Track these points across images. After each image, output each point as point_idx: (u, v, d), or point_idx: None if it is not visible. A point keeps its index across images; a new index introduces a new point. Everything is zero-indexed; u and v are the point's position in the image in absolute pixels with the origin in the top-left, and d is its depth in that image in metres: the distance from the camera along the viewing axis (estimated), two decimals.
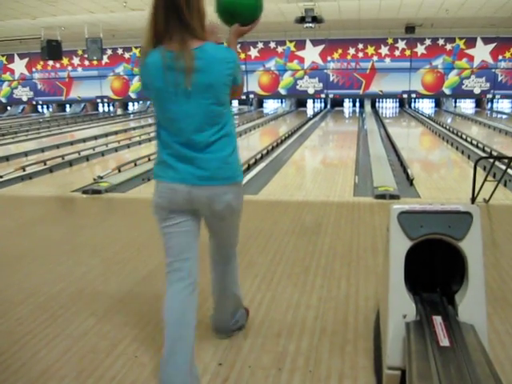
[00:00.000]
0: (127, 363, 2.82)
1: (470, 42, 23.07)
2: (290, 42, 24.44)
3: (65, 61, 25.71)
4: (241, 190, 2.71)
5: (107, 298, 3.71)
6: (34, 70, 27.36)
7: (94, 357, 2.90)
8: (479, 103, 24.62)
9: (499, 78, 23.38)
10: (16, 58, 27.18)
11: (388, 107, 25.25)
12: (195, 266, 2.69)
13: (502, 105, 24.29)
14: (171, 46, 2.37)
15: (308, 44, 24.44)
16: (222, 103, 2.49)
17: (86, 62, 25.04)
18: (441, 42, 23.29)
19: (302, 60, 24.81)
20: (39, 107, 28.24)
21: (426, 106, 25.15)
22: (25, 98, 27.90)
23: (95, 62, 22.73)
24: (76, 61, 26.67)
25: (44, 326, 3.29)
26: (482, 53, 23.10)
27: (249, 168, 9.07)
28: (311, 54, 24.64)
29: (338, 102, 25.47)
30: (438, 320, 2.34)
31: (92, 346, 3.02)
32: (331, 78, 24.79)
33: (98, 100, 27.32)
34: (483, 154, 9.81)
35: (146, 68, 2.51)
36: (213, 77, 2.41)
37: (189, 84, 2.38)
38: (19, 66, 27.43)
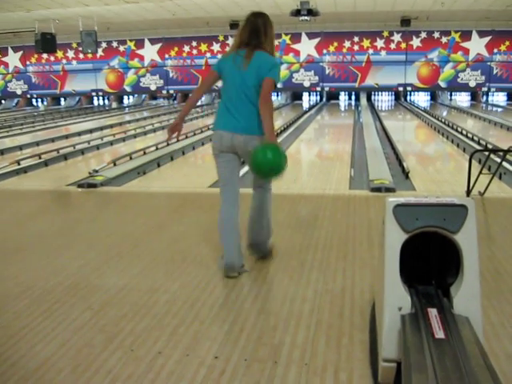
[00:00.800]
0: (123, 357, 2.83)
1: (466, 35, 23.05)
2: (286, 34, 24.36)
3: (59, 54, 25.61)
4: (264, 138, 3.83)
5: (103, 292, 3.72)
6: (28, 63, 27.23)
7: (90, 350, 2.90)
8: (474, 96, 24.65)
9: (494, 71, 23.38)
10: (10, 51, 27.04)
11: (383, 100, 25.26)
12: (237, 188, 4.04)
13: (498, 98, 24.32)
14: (245, 48, 3.86)
15: (303, 37, 24.39)
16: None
17: (81, 55, 24.91)
18: (436, 35, 23.27)
19: (297, 53, 24.75)
20: (34, 101, 28.14)
21: (422, 99, 25.17)
22: (19, 92, 27.78)
23: (90, 55, 22.65)
24: (70, 54, 26.54)
25: (40, 319, 3.29)
26: (477, 46, 23.09)
27: (244, 161, 9.04)
28: (307, 47, 24.58)
29: (333, 95, 25.47)
30: (433, 312, 2.35)
31: (88, 340, 3.02)
32: (327, 71, 24.75)
33: (93, 93, 27.22)
34: (478, 147, 9.83)
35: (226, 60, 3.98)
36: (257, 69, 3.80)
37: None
38: (13, 59, 27.29)
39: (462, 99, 24.74)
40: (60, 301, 3.57)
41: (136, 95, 27.16)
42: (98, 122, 17.51)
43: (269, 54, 3.89)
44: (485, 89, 23.81)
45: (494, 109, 21.52)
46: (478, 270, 2.42)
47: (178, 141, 10.59)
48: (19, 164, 9.14)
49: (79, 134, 14.18)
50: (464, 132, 12.53)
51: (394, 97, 25.24)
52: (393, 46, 23.82)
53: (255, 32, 3.87)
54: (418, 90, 24.71)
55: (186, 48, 25.32)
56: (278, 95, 25.91)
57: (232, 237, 3.94)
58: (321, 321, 3.20)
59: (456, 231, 2.40)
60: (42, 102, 27.94)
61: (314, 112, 20.39)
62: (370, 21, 22.09)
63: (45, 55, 25.46)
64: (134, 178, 7.99)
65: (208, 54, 25.12)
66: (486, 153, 7.19)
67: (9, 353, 2.89)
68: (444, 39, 23.31)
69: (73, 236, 5.15)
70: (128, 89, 26.66)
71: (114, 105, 26.37)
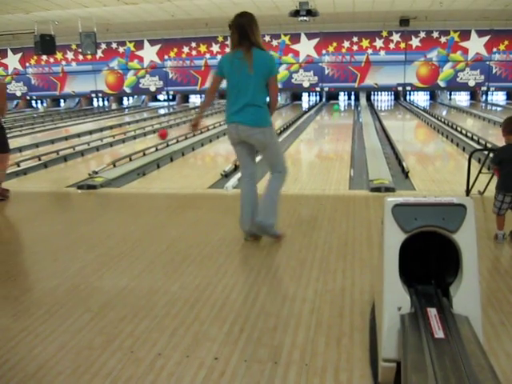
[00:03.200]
0: (123, 359, 2.82)
1: (465, 35, 23.07)
2: (285, 35, 24.39)
3: (59, 55, 25.65)
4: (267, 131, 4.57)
5: (103, 294, 3.71)
6: (27, 64, 27.26)
7: (90, 353, 2.89)
8: (474, 95, 24.67)
9: (493, 71, 23.39)
10: (9, 52, 27.06)
11: (383, 100, 25.28)
12: (254, 173, 4.79)
13: (497, 97, 24.37)
14: (241, 48, 4.42)
15: (303, 37, 24.40)
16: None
17: (80, 57, 24.95)
18: (435, 34, 23.29)
19: (296, 53, 24.77)
20: (33, 102, 28.16)
21: (421, 99, 25.20)
22: (19, 93, 27.80)
23: (89, 57, 22.69)
24: (70, 55, 26.57)
25: (39, 322, 3.29)
26: (476, 45, 23.11)
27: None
28: (306, 48, 24.61)
29: (333, 95, 25.48)
30: (432, 312, 2.35)
31: (88, 342, 3.02)
32: (326, 72, 24.77)
33: (93, 95, 27.24)
34: (478, 147, 9.83)
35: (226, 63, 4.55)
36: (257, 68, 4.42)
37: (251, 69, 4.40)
38: (13, 61, 27.31)
39: (462, 98, 24.77)
40: (59, 303, 3.57)
41: (135, 96, 27.17)
42: (97, 124, 17.52)
43: (263, 50, 4.45)
44: (484, 88, 23.83)
45: (494, 108, 21.51)
46: (477, 270, 2.42)
47: (177, 142, 10.62)
48: (19, 166, 9.14)
49: (79, 135, 14.18)
50: (463, 131, 12.53)
51: (393, 96, 25.26)
52: (392, 45, 23.84)
53: (243, 33, 4.39)
54: (418, 89, 24.74)
55: (186, 49, 25.34)
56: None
57: (246, 207, 4.68)
58: (321, 321, 3.19)
59: (455, 231, 2.40)
60: (42, 103, 27.97)
61: (313, 112, 20.38)
62: (369, 21, 22.11)
63: (44, 57, 25.47)
64: (133, 179, 7.98)
65: (207, 55, 25.15)
66: (486, 152, 7.18)
67: (8, 355, 2.89)
68: (443, 39, 23.32)
69: (72, 238, 5.14)
70: (128, 90, 26.69)
71: (114, 106, 26.38)
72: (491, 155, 5.04)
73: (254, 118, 4.50)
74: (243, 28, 4.40)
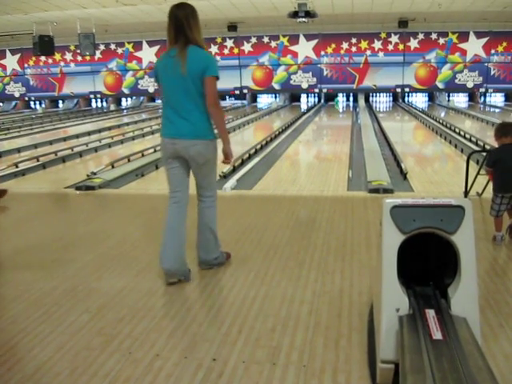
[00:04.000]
0: (121, 359, 2.82)
1: (463, 36, 23.09)
2: (284, 36, 24.39)
3: (57, 56, 25.59)
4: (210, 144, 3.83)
5: (101, 295, 3.71)
6: (26, 65, 27.21)
7: (88, 353, 2.89)
8: (472, 97, 24.70)
9: (492, 72, 23.42)
10: (8, 53, 27.00)
11: (381, 101, 25.31)
12: (186, 195, 3.96)
13: (495, 99, 24.41)
14: (176, 46, 3.70)
15: (301, 39, 24.40)
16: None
17: (79, 58, 24.95)
18: (434, 36, 23.31)
19: (295, 55, 24.77)
20: (32, 103, 28.11)
21: (420, 100, 25.23)
22: (17, 94, 27.76)
23: (88, 58, 22.69)
24: (68, 56, 26.53)
25: (38, 322, 3.29)
26: (474, 47, 23.14)
27: (243, 163, 9.07)
28: (305, 49, 24.61)
29: (331, 97, 25.49)
30: (430, 313, 2.35)
31: (86, 343, 3.02)
32: (325, 73, 24.78)
33: (91, 96, 27.22)
34: (476, 148, 9.82)
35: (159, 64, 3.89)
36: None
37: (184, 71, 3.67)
38: (11, 62, 27.26)
39: (460, 100, 24.79)
40: (57, 304, 3.57)
41: (134, 97, 27.16)
42: (96, 125, 17.50)
43: (200, 48, 3.74)
44: (482, 90, 23.86)
45: (492, 109, 21.53)
46: (475, 271, 2.42)
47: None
48: (17, 167, 9.14)
49: (77, 136, 14.17)
50: (462, 133, 12.54)
51: (391, 98, 25.29)
52: (390, 47, 23.85)
53: (179, 28, 3.70)
54: (416, 91, 24.75)
55: None
56: (276, 97, 25.97)
57: (169, 241, 3.89)
58: (319, 322, 3.19)
59: (453, 232, 2.40)
60: (40, 104, 27.93)
61: (312, 113, 20.39)
62: (368, 22, 22.11)
63: (43, 58, 25.44)
64: (132, 180, 7.98)
65: None
66: (484, 153, 7.18)
67: (6, 357, 2.88)
68: (441, 40, 23.34)
69: (70, 238, 5.14)
70: (126, 91, 26.66)
71: (112, 107, 26.35)
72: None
73: (193, 129, 3.76)
74: (179, 21, 3.69)
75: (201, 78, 3.68)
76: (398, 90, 24.47)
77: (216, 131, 3.88)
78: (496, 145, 4.81)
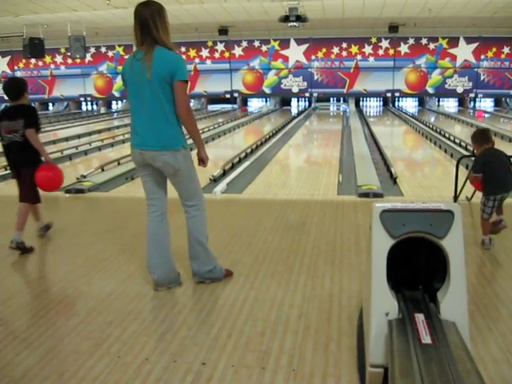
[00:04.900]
0: (110, 363, 2.81)
1: (453, 42, 23.25)
2: (275, 40, 24.45)
3: (47, 59, 25.54)
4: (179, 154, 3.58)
5: (90, 298, 3.69)
6: (16, 68, 27.12)
7: (77, 357, 2.88)
8: (462, 102, 24.84)
9: (481, 78, 23.59)
10: None
11: (372, 106, 25.41)
12: (163, 202, 3.82)
13: (485, 104, 24.56)
14: (142, 47, 3.48)
15: (292, 43, 24.48)
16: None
17: (69, 61, 24.84)
18: (424, 41, 23.45)
19: (286, 59, 24.84)
20: None
21: (410, 105, 25.34)
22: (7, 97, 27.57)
23: (78, 61, 22.64)
24: (59, 59, 26.48)
25: (25, 326, 3.27)
26: (464, 52, 23.31)
27: (233, 167, 9.06)
28: (295, 53, 24.69)
29: (321, 101, 25.56)
30: (420, 318, 2.35)
31: (75, 347, 3.00)
32: (315, 77, 24.85)
33: (82, 98, 27.15)
34: (466, 153, 9.87)
35: (125, 67, 3.66)
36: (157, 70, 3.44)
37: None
38: (1, 64, 27.17)
39: (450, 105, 24.93)
40: (46, 307, 3.54)
41: (124, 100, 27.06)
42: (86, 128, 17.43)
43: (168, 49, 3.50)
44: (472, 95, 24.02)
45: (482, 114, 21.65)
46: (464, 275, 2.43)
47: None
48: (6, 169, 9.06)
49: (67, 139, 14.11)
50: (451, 138, 12.60)
51: (382, 102, 25.40)
52: (381, 52, 23.97)
53: (145, 28, 3.44)
54: (406, 95, 24.89)
55: None
56: (266, 101, 25.99)
57: (151, 251, 3.82)
58: (308, 326, 3.19)
59: (442, 236, 2.41)
60: None
61: (302, 118, 20.43)
62: (359, 27, 22.23)
63: (33, 60, 25.35)
64: (122, 183, 7.96)
65: (197, 60, 25.11)
66: (473, 158, 7.22)
67: None
68: (432, 45, 23.49)
69: (60, 242, 5.11)
70: (116, 94, 26.61)
71: (103, 110, 26.30)
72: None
73: (159, 139, 3.52)
74: (145, 21, 3.42)
75: (169, 83, 3.43)
76: (389, 94, 24.59)
77: (189, 138, 3.71)
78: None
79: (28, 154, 4.88)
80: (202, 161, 3.80)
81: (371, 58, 24.09)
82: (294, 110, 24.60)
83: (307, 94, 25.25)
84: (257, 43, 24.61)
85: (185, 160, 3.61)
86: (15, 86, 5.04)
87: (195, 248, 3.84)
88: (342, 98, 25.98)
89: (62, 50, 25.57)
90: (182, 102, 3.47)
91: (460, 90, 23.94)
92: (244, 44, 24.74)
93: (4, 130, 4.92)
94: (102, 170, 8.82)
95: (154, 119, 3.50)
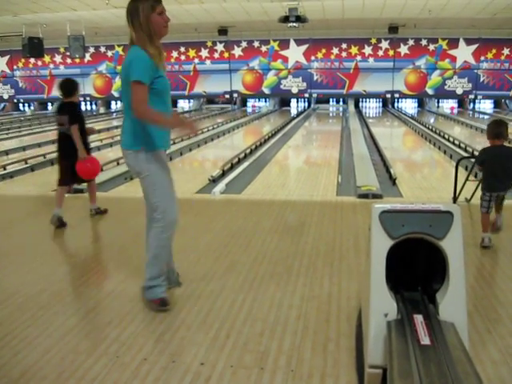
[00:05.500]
0: (108, 363, 2.80)
1: (453, 43, 23.24)
2: (274, 41, 24.44)
3: (46, 58, 25.50)
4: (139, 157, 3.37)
5: (89, 298, 3.69)
6: (15, 67, 27.08)
7: (75, 357, 2.87)
8: (461, 103, 24.83)
9: (481, 79, 23.58)
10: None
11: (371, 107, 25.39)
12: (148, 205, 3.68)
13: (484, 105, 24.56)
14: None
15: (292, 43, 24.47)
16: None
17: (68, 60, 24.78)
18: (424, 42, 23.45)
19: (285, 59, 24.83)
20: (20, 105, 27.95)
21: (409, 106, 25.33)
22: (6, 96, 27.60)
23: (77, 60, 22.57)
24: (58, 58, 26.44)
25: (24, 326, 3.26)
26: (464, 53, 23.30)
27: (232, 167, 9.06)
28: (295, 54, 24.68)
29: (321, 102, 25.57)
30: (419, 319, 2.35)
31: (73, 347, 2.99)
32: (315, 78, 24.84)
33: (81, 98, 27.09)
34: (465, 154, 9.88)
35: None
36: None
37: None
38: (0, 64, 27.11)
39: (449, 106, 24.91)
40: (45, 307, 3.54)
41: None
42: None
43: (135, 48, 3.32)
44: (471, 96, 24.01)
45: (481, 116, 21.65)
46: (463, 276, 2.43)
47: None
48: (5, 169, 9.08)
49: None
50: (451, 139, 12.61)
51: (381, 103, 25.38)
52: (380, 53, 23.96)
53: (128, 24, 3.38)
54: (406, 96, 24.88)
55: (174, 54, 25.27)
56: (266, 101, 25.99)
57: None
58: (307, 327, 3.19)
59: (442, 237, 2.41)
60: (29, 106, 27.77)
61: (301, 118, 20.43)
62: (358, 28, 22.22)
63: (32, 60, 25.31)
64: (120, 183, 7.95)
65: (196, 60, 25.11)
66: (473, 160, 7.22)
67: None
68: (431, 47, 23.48)
69: (58, 242, 5.11)
70: (116, 94, 26.54)
71: (102, 110, 26.28)
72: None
73: (124, 137, 3.46)
74: (126, 19, 3.38)
75: (129, 83, 3.24)
76: (388, 95, 24.58)
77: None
78: (488, 143, 4.85)
79: (68, 145, 5.75)
80: (188, 126, 3.43)
81: (371, 59, 24.08)
82: (294, 111, 24.60)
83: (307, 95, 25.24)
84: (256, 43, 24.59)
85: (147, 163, 3.37)
86: (68, 85, 6.13)
87: (148, 260, 3.60)
88: (341, 99, 25.98)
89: (62, 50, 25.53)
90: (133, 105, 3.23)
91: (460, 91, 23.93)
92: (243, 44, 24.72)
93: (57, 122, 6.05)
94: (101, 169, 8.79)
95: (124, 119, 3.50)
